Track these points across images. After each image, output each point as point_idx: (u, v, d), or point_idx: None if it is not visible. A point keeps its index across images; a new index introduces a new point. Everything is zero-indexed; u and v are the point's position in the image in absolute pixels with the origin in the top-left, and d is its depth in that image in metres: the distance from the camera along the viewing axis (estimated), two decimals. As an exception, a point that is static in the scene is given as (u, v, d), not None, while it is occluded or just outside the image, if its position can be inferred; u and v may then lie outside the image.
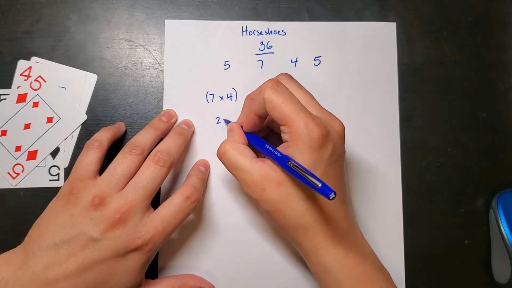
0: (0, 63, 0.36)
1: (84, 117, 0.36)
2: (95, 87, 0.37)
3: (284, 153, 0.28)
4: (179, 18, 0.37)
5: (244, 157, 0.29)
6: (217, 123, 0.37)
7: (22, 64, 0.36)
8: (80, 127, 0.36)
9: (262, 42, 0.38)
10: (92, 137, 0.32)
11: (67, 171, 0.36)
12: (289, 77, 0.32)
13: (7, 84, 0.36)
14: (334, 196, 0.24)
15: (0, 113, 0.36)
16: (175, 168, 0.36)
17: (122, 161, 0.30)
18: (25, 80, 0.36)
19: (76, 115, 0.36)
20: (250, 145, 0.31)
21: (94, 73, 0.37)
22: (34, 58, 0.36)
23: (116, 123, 0.36)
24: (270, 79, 0.29)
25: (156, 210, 0.30)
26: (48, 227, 0.29)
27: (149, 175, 0.30)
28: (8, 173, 0.36)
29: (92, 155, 0.31)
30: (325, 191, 0.24)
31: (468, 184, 0.38)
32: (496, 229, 0.36)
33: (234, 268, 0.36)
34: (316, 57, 0.38)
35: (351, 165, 0.37)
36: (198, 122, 0.36)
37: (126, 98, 0.37)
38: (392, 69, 0.38)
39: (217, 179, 0.36)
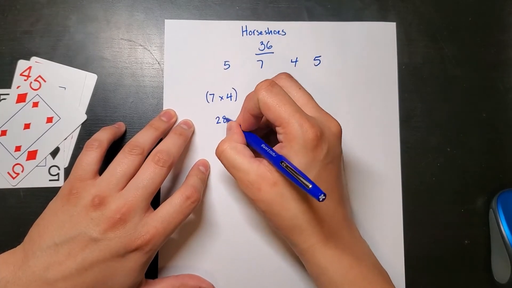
0: (0, 63, 0.36)
1: (84, 117, 0.36)
2: (95, 87, 0.37)
3: (280, 153, 0.28)
4: (179, 18, 0.37)
5: (242, 157, 0.29)
6: (217, 123, 0.37)
7: (22, 64, 0.36)
8: (80, 127, 0.36)
9: (262, 42, 0.38)
10: (92, 137, 0.32)
11: (67, 171, 0.36)
12: (289, 76, 0.32)
13: (7, 84, 0.36)
14: (324, 197, 0.24)
15: (0, 113, 0.36)
16: (175, 168, 0.36)
17: (122, 161, 0.30)
18: (25, 80, 0.36)
19: (76, 115, 0.36)
20: (248, 144, 0.31)
21: (94, 73, 0.37)
22: (34, 58, 0.36)
23: (116, 123, 0.36)
24: (265, 80, 0.29)
25: (156, 210, 0.30)
26: (48, 227, 0.29)
27: (149, 175, 0.30)
28: (8, 173, 0.36)
29: (92, 155, 0.31)
30: (315, 192, 0.24)
31: (468, 184, 0.38)
32: (496, 229, 0.36)
33: (233, 268, 0.36)
34: (316, 57, 0.38)
35: (351, 165, 0.37)
36: (198, 122, 0.36)
37: (126, 98, 0.37)
38: (392, 69, 0.38)
39: (217, 179, 0.36)
